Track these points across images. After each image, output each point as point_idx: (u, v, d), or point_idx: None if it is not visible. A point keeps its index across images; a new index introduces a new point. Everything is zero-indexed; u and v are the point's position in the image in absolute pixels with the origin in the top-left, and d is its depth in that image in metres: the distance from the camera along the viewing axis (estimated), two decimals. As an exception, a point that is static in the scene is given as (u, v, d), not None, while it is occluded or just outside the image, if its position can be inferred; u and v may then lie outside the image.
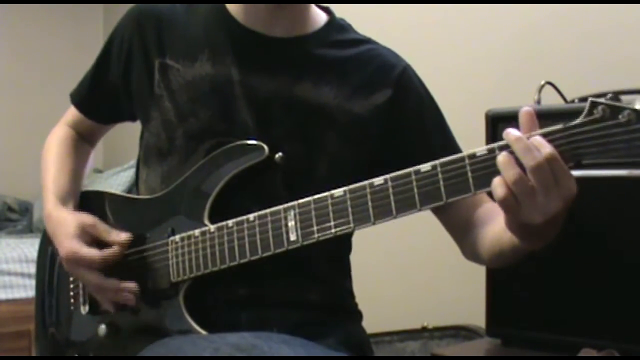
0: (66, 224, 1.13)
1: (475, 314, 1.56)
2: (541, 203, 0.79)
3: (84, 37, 4.29)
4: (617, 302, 1.25)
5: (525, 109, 0.82)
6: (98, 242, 1.12)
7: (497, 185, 0.80)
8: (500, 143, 0.82)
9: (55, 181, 1.22)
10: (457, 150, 1.13)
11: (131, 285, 1.09)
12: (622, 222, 1.25)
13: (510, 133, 0.80)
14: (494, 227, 1.00)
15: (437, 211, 1.14)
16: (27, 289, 2.93)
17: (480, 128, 1.39)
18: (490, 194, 0.83)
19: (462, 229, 1.12)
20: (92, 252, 1.10)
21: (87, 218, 1.14)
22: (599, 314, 1.26)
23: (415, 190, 0.88)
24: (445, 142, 1.15)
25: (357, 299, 1.20)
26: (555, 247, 0.92)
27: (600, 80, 1.72)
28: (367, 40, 1.19)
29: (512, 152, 0.79)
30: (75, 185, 1.25)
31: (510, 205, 0.80)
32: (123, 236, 1.11)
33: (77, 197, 1.24)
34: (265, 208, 1.00)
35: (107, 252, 1.10)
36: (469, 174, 0.84)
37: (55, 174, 1.23)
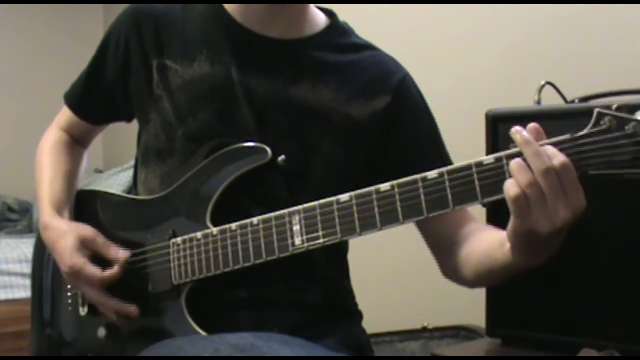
0: (65, 237, 1.12)
1: (475, 314, 1.55)
2: (550, 210, 0.79)
3: (84, 37, 4.28)
4: (617, 302, 1.24)
5: (532, 125, 0.82)
6: (97, 256, 1.12)
7: (510, 185, 0.80)
8: (508, 152, 0.82)
9: (50, 188, 1.21)
10: (449, 162, 1.12)
11: (131, 308, 1.10)
12: (623, 223, 1.25)
13: (520, 133, 0.80)
14: (484, 244, 1.00)
15: (420, 226, 1.14)
16: (27, 289, 2.90)
17: (480, 128, 1.39)
18: (495, 206, 0.82)
19: (444, 246, 1.11)
20: (93, 271, 1.09)
21: (86, 230, 1.13)
22: (599, 314, 1.26)
23: (422, 197, 0.88)
24: (438, 154, 1.15)
25: (357, 299, 1.20)
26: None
27: (600, 80, 1.72)
28: (369, 46, 1.18)
29: (524, 160, 0.80)
30: (70, 189, 1.24)
31: (522, 206, 0.79)
32: (122, 255, 1.11)
33: (73, 201, 1.23)
34: (265, 210, 1.00)
35: (107, 272, 1.09)
36: (476, 182, 0.84)
37: (49, 180, 1.22)
